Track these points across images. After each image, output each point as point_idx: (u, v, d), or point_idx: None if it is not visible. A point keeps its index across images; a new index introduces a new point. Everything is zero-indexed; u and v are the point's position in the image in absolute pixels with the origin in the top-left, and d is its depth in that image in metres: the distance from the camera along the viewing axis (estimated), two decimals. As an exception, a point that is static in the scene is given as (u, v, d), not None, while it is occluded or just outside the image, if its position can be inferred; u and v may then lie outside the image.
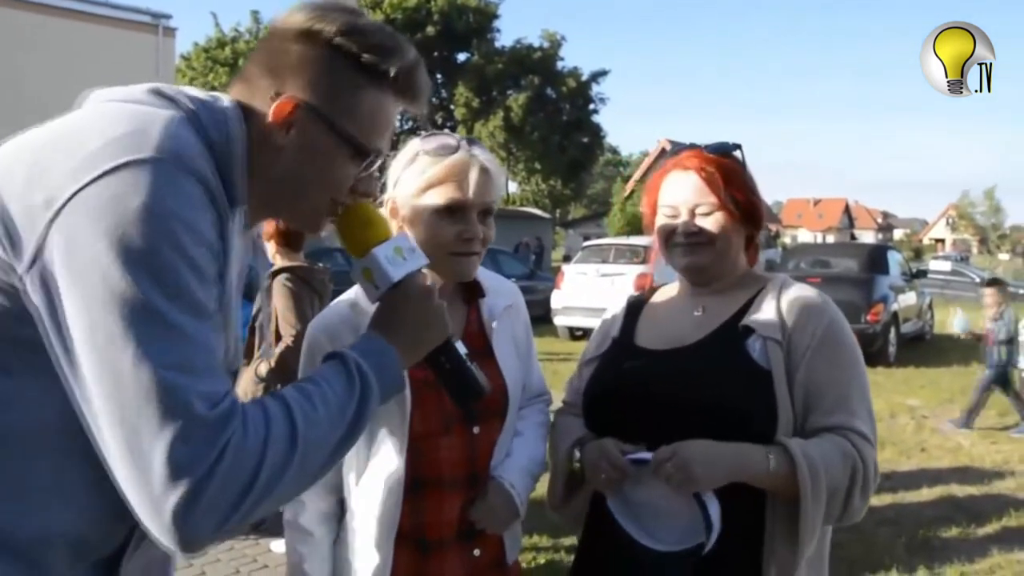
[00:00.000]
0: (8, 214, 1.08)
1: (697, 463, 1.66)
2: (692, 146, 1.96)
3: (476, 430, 1.84)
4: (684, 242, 1.89)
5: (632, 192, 39.36)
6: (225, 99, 1.30)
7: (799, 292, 1.89)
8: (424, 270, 1.42)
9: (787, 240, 55.60)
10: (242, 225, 1.35)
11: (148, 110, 1.18)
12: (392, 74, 1.31)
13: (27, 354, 1.10)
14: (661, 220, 1.93)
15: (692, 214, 1.89)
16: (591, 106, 37.41)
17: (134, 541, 1.27)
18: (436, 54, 35.46)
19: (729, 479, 1.68)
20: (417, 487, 1.78)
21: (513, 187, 44.73)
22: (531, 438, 1.97)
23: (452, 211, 1.76)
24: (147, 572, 1.34)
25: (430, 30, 33.81)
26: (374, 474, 1.78)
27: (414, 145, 1.83)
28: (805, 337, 1.80)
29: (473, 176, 1.77)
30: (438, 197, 1.76)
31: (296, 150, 1.30)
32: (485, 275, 1.96)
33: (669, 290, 2.08)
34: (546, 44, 36.67)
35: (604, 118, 44.82)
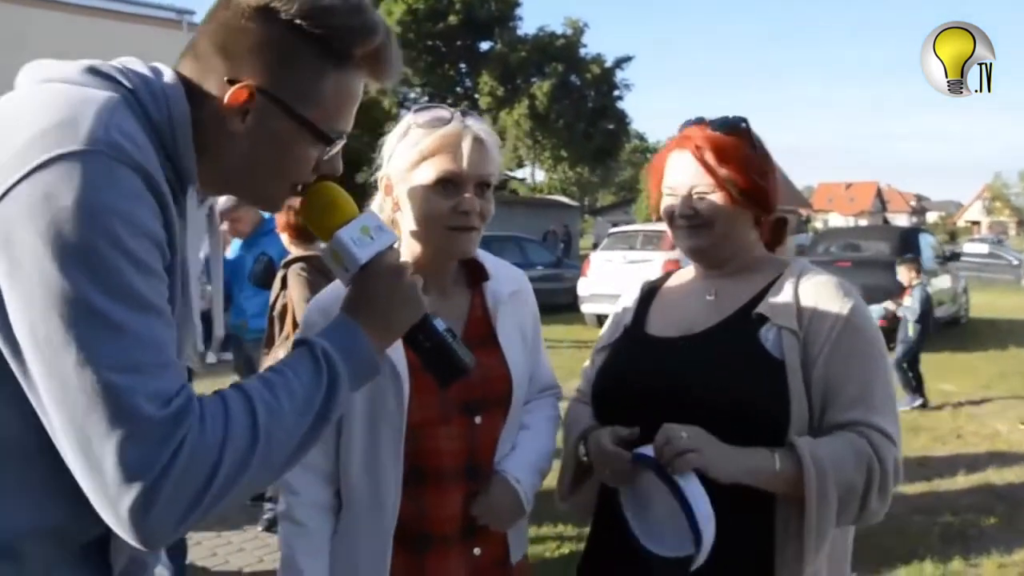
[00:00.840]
0: None
1: (700, 444, 1.58)
2: (698, 121, 1.87)
3: (478, 420, 1.77)
4: (684, 224, 1.83)
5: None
6: (168, 74, 1.23)
7: (819, 279, 1.79)
8: (396, 247, 1.37)
9: (819, 224, 55.09)
10: (196, 202, 1.30)
11: (82, 92, 1.12)
12: (359, 56, 1.25)
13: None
14: (665, 201, 1.86)
15: (690, 195, 1.81)
16: (616, 92, 37.15)
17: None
18: (459, 43, 35.42)
19: (733, 477, 1.59)
20: (416, 478, 1.72)
21: (540, 175, 44.72)
22: (539, 432, 1.90)
23: (446, 184, 1.69)
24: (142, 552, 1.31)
25: (452, 19, 33.69)
26: (372, 464, 1.72)
27: (407, 119, 1.77)
28: (824, 327, 1.70)
29: (467, 147, 1.70)
30: (431, 170, 1.69)
31: (253, 136, 1.24)
32: (490, 260, 1.90)
33: (684, 274, 1.99)
34: (569, 31, 36.45)
35: (630, 104, 44.62)
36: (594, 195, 48.69)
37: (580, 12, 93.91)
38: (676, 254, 14.97)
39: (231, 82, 1.21)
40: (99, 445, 1.02)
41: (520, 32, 36.13)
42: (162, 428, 1.04)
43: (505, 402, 1.80)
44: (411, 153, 1.71)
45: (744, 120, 1.85)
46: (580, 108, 35.22)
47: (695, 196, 1.80)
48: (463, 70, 36.71)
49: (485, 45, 36.12)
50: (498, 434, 1.81)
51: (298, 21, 1.20)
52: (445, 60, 35.71)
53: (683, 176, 1.82)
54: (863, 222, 69.08)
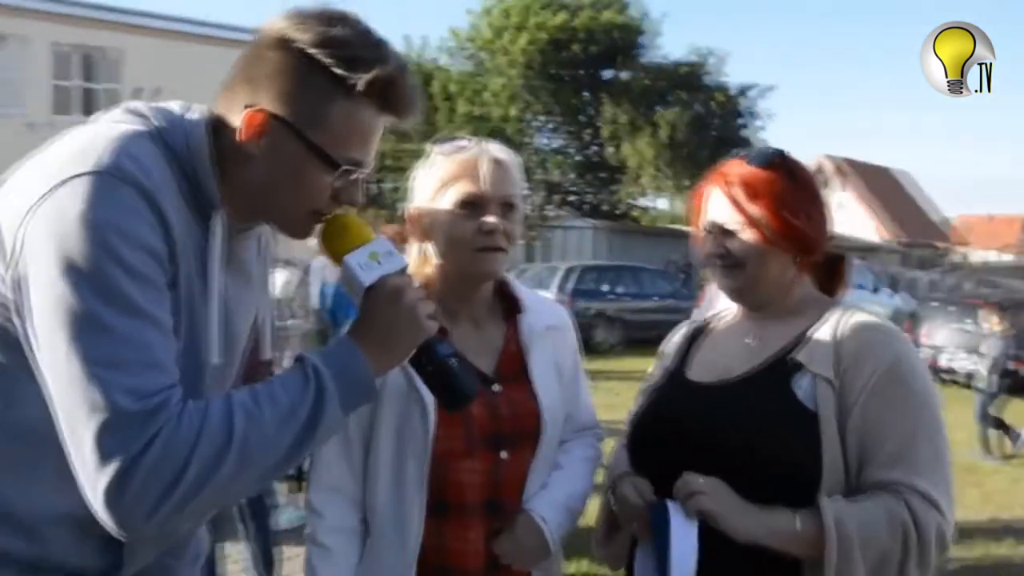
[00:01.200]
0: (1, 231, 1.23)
1: (714, 492, 1.54)
2: (737, 155, 1.81)
3: (503, 455, 1.75)
4: (717, 264, 1.78)
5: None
6: (196, 111, 1.40)
7: (862, 322, 1.67)
8: (406, 271, 1.41)
9: (956, 259, 52.69)
10: (224, 227, 1.40)
11: (107, 127, 1.30)
12: (362, 86, 1.32)
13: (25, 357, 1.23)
14: (704, 238, 1.81)
15: (721, 233, 1.75)
16: (741, 120, 36.53)
17: None
18: (582, 72, 35.56)
19: (751, 536, 1.52)
20: (439, 510, 1.73)
21: (663, 204, 44.30)
22: (573, 472, 1.86)
23: (469, 205, 1.72)
24: (158, 546, 1.48)
25: (576, 48, 33.88)
26: (397, 491, 1.74)
27: (430, 151, 1.82)
28: (862, 376, 1.59)
29: (486, 168, 1.73)
30: (454, 194, 1.73)
31: (267, 159, 1.35)
32: (528, 294, 1.92)
33: (730, 315, 1.93)
34: (695, 59, 36.11)
35: (759, 133, 43.79)
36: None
37: (708, 40, 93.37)
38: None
39: (249, 107, 1.33)
40: (82, 431, 1.16)
41: (645, 60, 35.98)
42: (136, 420, 1.16)
43: (534, 439, 1.78)
44: (433, 181, 1.75)
45: (781, 152, 1.75)
46: (705, 136, 34.71)
47: (727, 234, 1.73)
48: (586, 99, 36.80)
49: (609, 74, 36.14)
50: (525, 471, 1.78)
51: (311, 50, 1.31)
52: (569, 89, 35.89)
53: (715, 213, 1.76)
54: (1007, 257, 65.67)
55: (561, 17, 34.04)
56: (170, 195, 1.27)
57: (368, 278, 1.37)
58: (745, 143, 37.11)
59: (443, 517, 1.72)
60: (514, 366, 1.80)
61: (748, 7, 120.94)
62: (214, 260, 1.37)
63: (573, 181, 39.68)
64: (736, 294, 1.80)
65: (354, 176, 1.39)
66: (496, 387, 1.78)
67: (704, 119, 35.30)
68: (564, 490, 1.81)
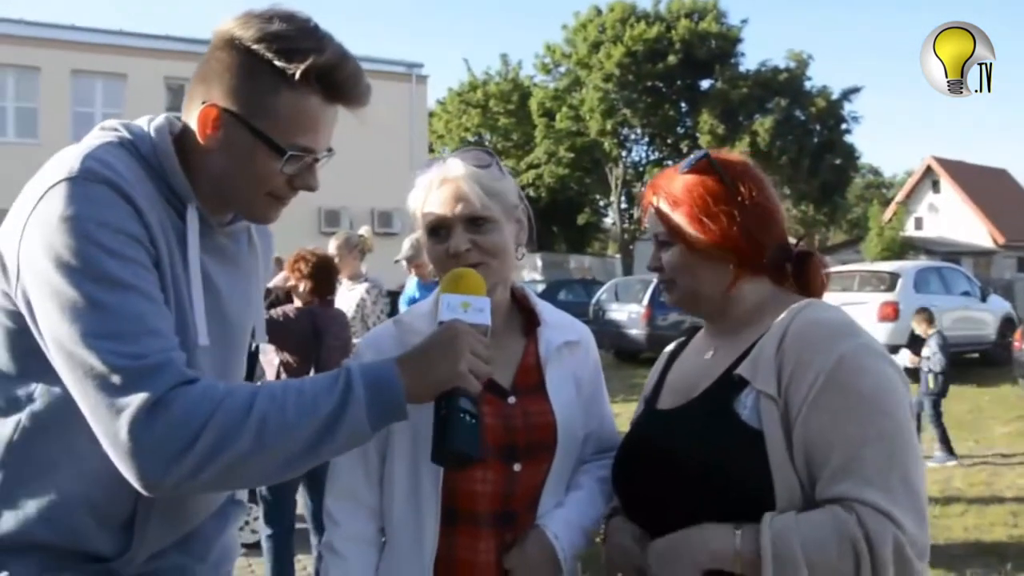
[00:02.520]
0: (3, 261, 1.38)
1: (658, 562, 1.50)
2: (675, 164, 1.74)
3: (516, 467, 1.73)
4: (657, 278, 1.74)
5: (894, 215, 37.02)
6: (158, 119, 1.53)
7: (809, 324, 1.52)
8: (484, 330, 1.52)
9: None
10: (198, 218, 1.52)
11: (82, 144, 1.43)
12: (300, 75, 1.40)
13: (45, 359, 1.36)
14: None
15: (658, 246, 1.69)
16: (843, 126, 35.62)
17: (141, 505, 1.48)
18: (679, 83, 35.27)
19: (697, 568, 1.46)
20: (450, 518, 1.73)
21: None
22: (590, 492, 1.83)
23: (436, 231, 1.76)
24: (171, 531, 1.58)
25: (672, 59, 33.69)
26: (412, 501, 1.74)
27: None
28: (803, 387, 1.45)
29: (444, 190, 1.74)
30: (423, 221, 1.79)
31: (223, 151, 1.47)
32: (548, 309, 1.92)
33: (701, 332, 1.83)
34: (792, 64, 35.43)
35: (861, 137, 42.49)
36: (823, 233, 46.69)
37: (804, 45, 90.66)
38: (895, 295, 14.24)
39: (203, 103, 1.45)
40: (96, 398, 1.28)
41: (741, 68, 35.50)
42: (142, 375, 1.28)
43: (548, 451, 1.76)
44: (413, 206, 1.81)
45: (706, 155, 1.66)
46: (804, 143, 33.98)
47: (662, 247, 1.68)
48: (684, 109, 36.47)
49: (706, 83, 35.72)
50: (539, 485, 1.76)
51: (254, 46, 1.41)
52: (666, 100, 35.65)
53: (650, 226, 1.71)
54: None
55: (657, 29, 33.97)
56: (143, 192, 1.40)
57: (445, 315, 1.51)
58: (848, 149, 36.29)
59: (453, 527, 1.72)
60: (531, 379, 1.80)
61: (826, 7, 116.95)
62: (193, 247, 1.48)
63: (671, 192, 39.33)
64: (681, 307, 1.73)
65: (304, 162, 1.49)
66: (511, 399, 1.77)
67: (805, 124, 34.64)
68: (579, 510, 1.78)
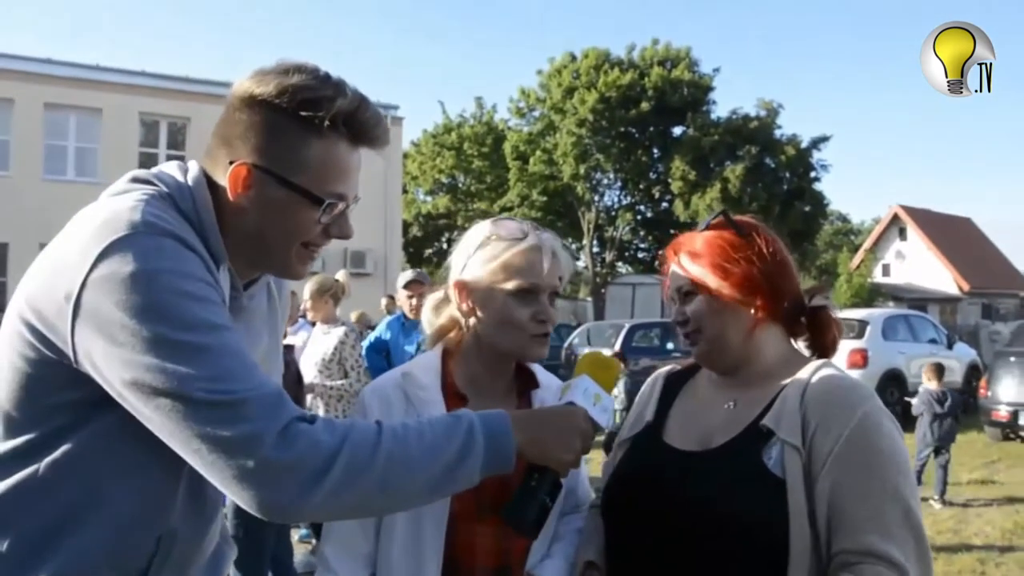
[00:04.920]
0: (40, 311, 1.33)
1: None
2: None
3: None
4: (681, 332, 1.79)
5: (862, 262, 37.52)
6: (194, 170, 1.50)
7: (829, 383, 1.62)
8: (601, 431, 1.61)
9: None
10: (228, 280, 1.52)
11: (123, 197, 1.40)
12: (328, 122, 1.42)
13: (82, 410, 1.36)
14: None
15: (679, 300, 1.77)
16: (812, 174, 36.10)
17: (160, 552, 1.46)
18: (652, 129, 35.67)
19: None
20: (451, 571, 1.76)
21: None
22: (571, 543, 1.89)
23: (526, 293, 1.81)
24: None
25: (645, 106, 34.07)
26: (413, 551, 1.77)
27: (484, 228, 1.90)
28: (828, 440, 1.54)
29: (546, 261, 1.82)
30: (513, 281, 1.81)
31: (257, 208, 1.46)
32: (542, 372, 2.00)
33: (709, 376, 1.88)
34: (763, 113, 35.96)
35: (829, 184, 43.05)
36: (792, 278, 46.96)
37: (774, 94, 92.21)
38: (864, 343, 14.40)
39: (230, 163, 1.44)
40: (213, 436, 1.25)
41: (713, 116, 35.98)
42: (261, 403, 1.27)
43: None
44: (492, 264, 1.83)
45: (724, 212, 1.79)
46: (774, 190, 34.37)
47: (684, 300, 1.76)
48: (656, 155, 36.83)
49: (678, 130, 36.14)
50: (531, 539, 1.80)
51: (276, 101, 1.41)
52: (638, 146, 36.02)
53: (672, 282, 1.79)
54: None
55: (630, 75, 34.42)
56: (194, 242, 1.39)
57: (578, 399, 1.58)
58: (817, 197, 36.79)
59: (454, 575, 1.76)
60: None
61: (796, 58, 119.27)
62: (250, 325, 1.49)
63: (643, 237, 39.68)
64: (705, 361, 1.79)
65: (339, 210, 1.50)
66: None
67: (775, 172, 35.13)
68: (566, 557, 1.85)
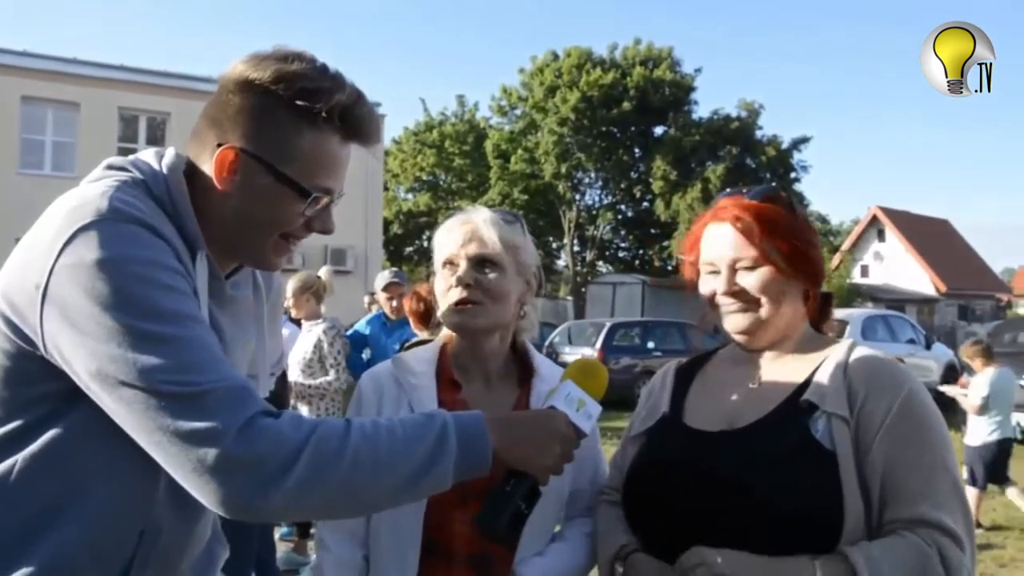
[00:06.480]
0: (13, 302, 1.30)
1: (737, 569, 1.47)
2: (733, 192, 1.78)
3: None
4: (728, 303, 1.71)
5: (841, 262, 37.72)
6: (169, 155, 1.46)
7: (871, 359, 1.64)
8: (583, 436, 1.55)
9: (1022, 311, 51.30)
10: (207, 267, 1.47)
11: (94, 184, 1.37)
12: (324, 114, 1.39)
13: (59, 402, 1.32)
14: (704, 280, 1.76)
15: (732, 270, 1.69)
16: (792, 174, 36.32)
17: (143, 546, 1.42)
18: (633, 129, 35.81)
19: None
20: (430, 553, 1.76)
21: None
22: (572, 545, 1.86)
23: (449, 265, 1.86)
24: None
25: (627, 105, 34.24)
26: (394, 532, 1.78)
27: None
28: (879, 412, 1.55)
29: (465, 229, 1.85)
30: (439, 254, 1.88)
31: (240, 194, 1.42)
32: (543, 361, 1.97)
33: (723, 358, 1.87)
34: (744, 113, 36.16)
35: (809, 185, 43.32)
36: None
37: (755, 94, 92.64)
38: (844, 342, 14.40)
39: (218, 146, 1.40)
40: (173, 427, 1.21)
41: (694, 116, 36.14)
42: (226, 396, 1.24)
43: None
44: (434, 248, 1.91)
45: (781, 188, 1.77)
46: (755, 191, 34.58)
47: (740, 270, 1.69)
48: (637, 155, 36.98)
49: (659, 130, 36.33)
50: None
51: (272, 87, 1.38)
52: (620, 145, 36.14)
53: (724, 250, 1.70)
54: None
55: (612, 75, 34.53)
56: (167, 232, 1.35)
57: (560, 404, 1.53)
58: (797, 197, 36.82)
59: (431, 558, 1.76)
60: None
61: (777, 59, 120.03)
62: (202, 295, 1.42)
63: (623, 237, 39.79)
64: (748, 335, 1.72)
65: (323, 204, 1.47)
66: None
67: (756, 172, 35.28)
68: (560, 560, 1.81)
